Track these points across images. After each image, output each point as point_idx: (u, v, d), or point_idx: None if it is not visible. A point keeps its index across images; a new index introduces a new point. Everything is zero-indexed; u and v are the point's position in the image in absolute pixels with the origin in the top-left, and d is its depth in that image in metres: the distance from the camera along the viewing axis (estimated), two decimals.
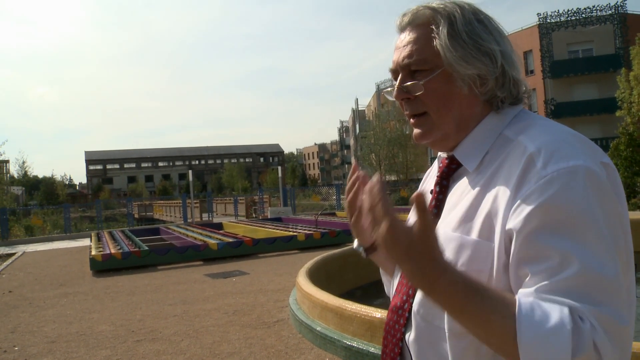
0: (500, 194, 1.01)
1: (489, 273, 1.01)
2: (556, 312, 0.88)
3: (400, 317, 1.17)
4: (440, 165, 1.22)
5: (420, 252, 0.92)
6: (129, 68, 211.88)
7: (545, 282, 0.92)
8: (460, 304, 0.93)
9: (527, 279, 0.95)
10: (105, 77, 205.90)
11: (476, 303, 0.92)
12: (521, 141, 1.05)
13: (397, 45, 1.19)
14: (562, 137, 1.02)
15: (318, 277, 6.96)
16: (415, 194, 0.96)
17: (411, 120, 1.20)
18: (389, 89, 1.23)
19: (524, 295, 0.93)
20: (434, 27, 1.13)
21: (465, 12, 1.13)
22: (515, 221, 0.97)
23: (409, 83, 1.15)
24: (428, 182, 1.33)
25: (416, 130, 1.19)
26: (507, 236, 0.98)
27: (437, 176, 1.21)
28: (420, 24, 1.15)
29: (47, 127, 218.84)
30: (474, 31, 1.11)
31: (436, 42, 1.12)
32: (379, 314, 4.64)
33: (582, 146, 1.01)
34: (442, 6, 1.14)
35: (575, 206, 0.93)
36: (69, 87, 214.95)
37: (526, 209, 0.95)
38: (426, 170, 1.43)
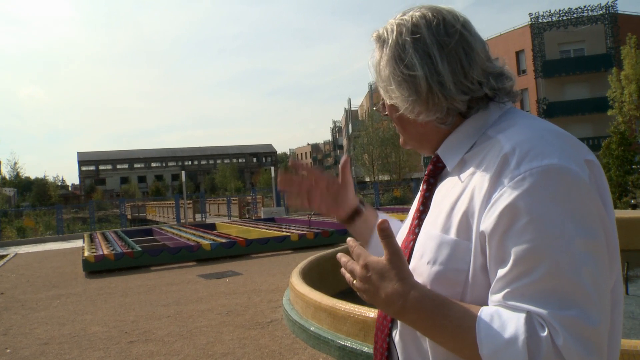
0: (476, 193, 1.02)
1: (466, 273, 1.02)
2: (513, 321, 0.90)
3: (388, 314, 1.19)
4: (429, 164, 1.24)
5: (391, 276, 1.02)
6: (120, 68, 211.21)
7: (510, 288, 0.93)
8: (429, 317, 0.98)
9: (496, 283, 0.95)
10: (96, 78, 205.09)
11: (444, 316, 0.97)
12: (499, 140, 1.04)
13: None
14: (539, 134, 1.01)
15: (311, 277, 6.96)
16: (379, 222, 1.03)
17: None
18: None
19: (492, 301, 0.96)
20: (370, 57, 1.20)
21: (403, 32, 1.11)
22: (486, 223, 0.97)
23: (379, 104, 1.26)
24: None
25: (400, 139, 1.28)
26: (482, 237, 0.99)
27: (425, 175, 1.23)
28: (377, 47, 1.19)
29: (39, 127, 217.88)
30: (401, 57, 1.10)
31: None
32: (372, 313, 4.64)
33: (562, 144, 0.99)
34: (385, 29, 1.16)
35: (545, 206, 0.92)
36: (60, 87, 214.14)
37: (497, 210, 0.95)
38: (419, 170, 1.48)
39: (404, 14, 1.14)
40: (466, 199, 1.04)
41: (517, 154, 0.97)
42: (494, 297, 0.95)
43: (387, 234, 1.03)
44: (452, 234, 1.04)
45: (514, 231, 0.93)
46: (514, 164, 0.96)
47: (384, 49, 1.13)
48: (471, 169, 1.07)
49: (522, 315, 0.90)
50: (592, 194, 0.96)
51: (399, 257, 1.03)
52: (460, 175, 1.10)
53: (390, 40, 1.12)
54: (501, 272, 0.94)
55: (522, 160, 0.96)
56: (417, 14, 1.12)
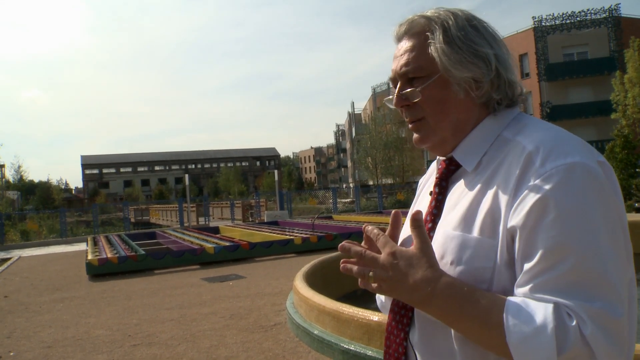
0: (501, 192, 1.05)
1: (492, 270, 1.03)
2: (541, 311, 0.92)
3: (404, 317, 1.19)
4: (440, 167, 1.25)
5: (420, 263, 1.03)
6: (124, 72, 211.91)
7: (538, 280, 0.95)
8: (458, 304, 0.99)
9: (523, 275, 0.98)
10: (99, 82, 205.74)
11: (472, 303, 0.98)
12: (519, 141, 1.08)
13: (395, 54, 1.23)
14: (559, 135, 1.06)
15: (315, 280, 6.96)
16: (414, 212, 1.06)
17: (410, 125, 1.24)
18: (390, 97, 1.26)
19: (518, 294, 0.98)
20: (429, 34, 1.17)
21: (459, 19, 1.17)
22: (516, 219, 1.00)
23: (407, 90, 1.19)
24: (427, 185, 1.36)
25: (415, 135, 1.23)
26: (509, 234, 1.01)
27: (436, 177, 1.24)
28: (416, 33, 1.19)
29: (42, 131, 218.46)
30: (468, 36, 1.14)
31: (431, 49, 1.16)
32: (376, 317, 4.64)
33: (579, 144, 1.04)
34: (435, 14, 1.18)
35: (572, 201, 0.96)
36: (63, 91, 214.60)
37: (526, 206, 0.98)
38: (422, 173, 1.46)
39: (441, 9, 1.20)
40: (489, 198, 1.06)
41: (542, 153, 1.01)
42: (521, 290, 0.98)
43: (419, 224, 1.06)
44: (475, 233, 1.06)
45: (544, 226, 0.96)
46: (539, 162, 1.01)
47: (445, 29, 1.15)
48: (490, 170, 1.10)
49: (550, 305, 0.93)
50: (611, 191, 1.00)
51: (428, 246, 1.05)
52: (477, 176, 1.13)
53: (450, 22, 1.16)
54: (528, 265, 0.97)
55: (547, 159, 1.00)
56: (458, 10, 1.19)
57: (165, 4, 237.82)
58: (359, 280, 1.13)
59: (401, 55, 1.21)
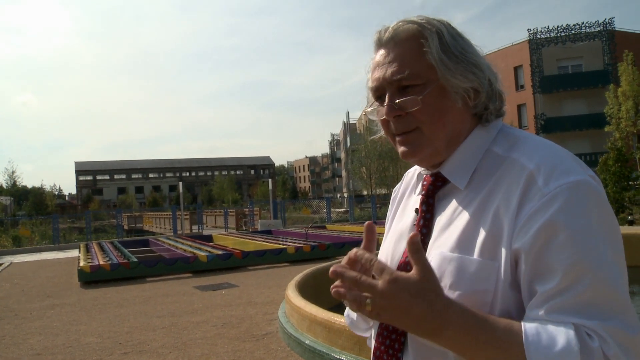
0: (502, 213, 1.01)
1: (493, 293, 1.00)
2: (562, 334, 0.90)
3: (395, 342, 1.12)
4: (425, 183, 1.19)
5: (425, 292, 0.94)
6: (118, 79, 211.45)
7: (555, 301, 0.93)
8: (472, 333, 0.94)
9: (537, 298, 0.95)
10: (94, 88, 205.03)
11: (487, 331, 0.93)
12: (516, 159, 1.05)
13: (380, 61, 1.15)
14: (556, 152, 1.04)
15: (307, 290, 6.93)
16: (411, 234, 0.96)
17: (398, 138, 1.15)
18: (372, 108, 1.19)
19: (532, 318, 0.94)
20: (423, 42, 1.10)
21: (450, 28, 1.13)
22: (522, 240, 0.97)
23: (405, 99, 1.10)
24: (406, 197, 1.30)
25: (404, 148, 1.14)
26: (514, 255, 0.98)
27: (422, 195, 1.18)
28: (405, 39, 1.12)
29: (36, 136, 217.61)
30: (462, 45, 1.12)
31: (429, 56, 1.09)
32: None
33: (575, 161, 1.03)
34: (425, 21, 1.12)
35: (580, 220, 0.95)
36: (56, 96, 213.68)
37: (532, 228, 0.96)
38: None
39: (425, 17, 1.15)
40: (489, 218, 1.02)
41: (543, 172, 0.99)
42: (534, 313, 0.95)
43: (417, 248, 0.95)
44: (475, 255, 1.02)
45: (554, 247, 0.94)
46: (541, 181, 0.98)
47: (441, 37, 1.10)
48: (487, 189, 1.06)
49: (571, 327, 0.90)
50: (610, 207, 1.00)
51: (431, 273, 0.96)
52: (470, 195, 1.08)
53: (443, 30, 1.12)
54: (542, 287, 0.95)
55: (549, 178, 0.98)
56: (438, 21, 1.14)
57: (162, 10, 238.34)
58: (351, 303, 1.00)
59: (389, 62, 1.12)
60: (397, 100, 1.11)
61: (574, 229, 0.94)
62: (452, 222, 1.09)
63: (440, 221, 1.12)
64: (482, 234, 1.02)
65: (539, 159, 1.02)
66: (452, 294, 1.00)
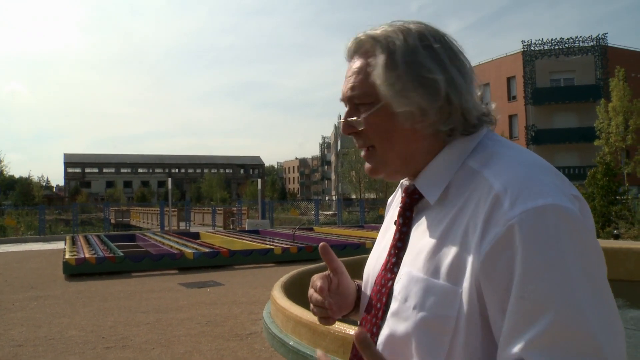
0: (469, 235, 0.94)
1: (456, 319, 0.95)
2: None
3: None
4: (403, 195, 1.15)
5: None
6: (111, 73, 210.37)
7: (513, 339, 0.87)
8: None
9: (502, 336, 0.89)
10: (86, 81, 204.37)
11: None
12: (487, 177, 0.97)
13: (346, 73, 1.13)
14: (529, 171, 0.95)
15: (293, 291, 6.92)
16: (357, 332, 0.93)
17: (362, 153, 1.14)
18: (341, 121, 1.16)
19: (498, 355, 0.91)
20: (371, 60, 1.06)
21: (410, 39, 1.05)
22: (484, 270, 0.90)
23: (352, 118, 1.09)
24: (393, 211, 1.26)
25: (366, 164, 1.13)
26: (477, 283, 0.92)
27: (400, 207, 1.14)
28: (362, 53, 1.09)
29: (26, 127, 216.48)
30: (416, 60, 1.03)
31: (373, 76, 1.05)
32: (352, 330, 4.62)
33: (552, 180, 0.94)
34: (383, 34, 1.06)
35: (546, 251, 0.86)
36: (48, 88, 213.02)
37: (492, 256, 0.89)
38: None
39: (397, 23, 1.08)
40: (456, 240, 0.96)
41: (509, 194, 0.91)
42: (504, 354, 0.89)
43: (366, 344, 0.93)
44: (441, 279, 0.97)
45: (515, 281, 0.87)
46: (507, 205, 0.90)
47: (390, 53, 1.04)
48: (457, 206, 1.00)
49: None
50: (587, 229, 0.91)
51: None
52: (443, 211, 1.03)
53: (397, 43, 1.04)
54: (500, 323, 0.89)
55: (515, 201, 0.89)
56: (414, 25, 1.07)
57: (158, 6, 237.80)
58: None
59: (349, 77, 1.10)
60: (347, 119, 1.10)
61: (538, 261, 0.86)
62: (422, 239, 1.04)
63: (414, 236, 1.08)
64: (448, 256, 0.97)
65: (508, 179, 0.93)
66: (415, 315, 0.99)
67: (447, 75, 1.02)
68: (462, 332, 0.94)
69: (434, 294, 0.97)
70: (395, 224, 1.14)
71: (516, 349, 0.86)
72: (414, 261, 1.03)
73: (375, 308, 1.10)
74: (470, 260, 0.93)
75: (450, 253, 0.96)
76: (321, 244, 1.13)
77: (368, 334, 0.96)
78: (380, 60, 1.04)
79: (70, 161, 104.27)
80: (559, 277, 0.85)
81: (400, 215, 1.13)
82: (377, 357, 0.93)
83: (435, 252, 0.99)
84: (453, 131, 1.05)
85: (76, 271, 11.83)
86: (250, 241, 17.38)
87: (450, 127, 1.04)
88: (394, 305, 1.04)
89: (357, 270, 1.78)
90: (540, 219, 0.87)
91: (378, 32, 1.07)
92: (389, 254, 1.12)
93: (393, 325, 1.03)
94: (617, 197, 18.92)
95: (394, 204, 1.27)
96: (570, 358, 0.83)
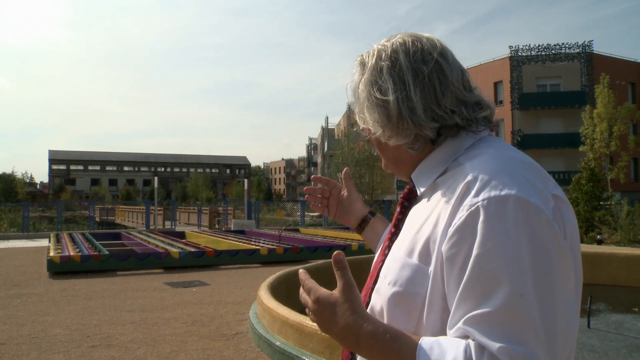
0: (441, 219, 1.02)
1: (423, 297, 1.02)
2: (452, 350, 0.91)
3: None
4: (406, 187, 1.27)
5: (342, 310, 1.03)
6: (97, 70, 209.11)
7: (464, 317, 0.92)
8: (382, 351, 0.99)
9: (452, 311, 0.96)
10: (71, 77, 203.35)
11: (395, 350, 0.97)
12: (465, 167, 1.04)
13: None
14: (505, 165, 1.01)
15: (279, 291, 6.95)
16: (334, 253, 1.06)
17: None
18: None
19: (448, 330, 0.96)
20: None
21: (382, 57, 1.14)
22: (445, 250, 0.98)
23: (359, 130, 1.25)
24: None
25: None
26: (442, 264, 0.99)
27: (400, 197, 1.26)
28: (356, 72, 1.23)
29: (9, 122, 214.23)
30: (374, 81, 1.13)
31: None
32: None
33: (527, 175, 0.99)
34: (368, 52, 1.19)
35: (501, 237, 0.91)
36: (33, 84, 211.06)
37: (453, 238, 0.96)
38: (392, 192, 1.54)
39: (387, 40, 1.17)
40: (431, 224, 1.04)
41: (478, 183, 0.97)
42: (450, 325, 0.96)
43: (342, 266, 1.04)
44: (415, 258, 1.05)
45: (470, 261, 0.93)
46: (473, 192, 0.97)
47: (363, 73, 1.16)
48: (439, 195, 1.07)
49: (462, 345, 0.91)
50: (551, 227, 0.93)
51: (351, 290, 1.04)
52: (431, 200, 1.10)
53: (369, 64, 1.15)
54: (456, 300, 0.94)
55: (481, 189, 0.96)
56: (399, 40, 1.15)
57: (145, 4, 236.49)
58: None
59: None
60: (357, 130, 1.27)
61: (490, 245, 0.91)
62: (410, 224, 1.15)
63: (406, 223, 1.18)
64: (422, 238, 1.05)
65: (481, 170, 1.00)
66: (390, 289, 1.07)
67: (403, 95, 1.09)
68: (428, 309, 1.02)
69: (407, 271, 1.06)
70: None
71: (462, 323, 0.93)
72: (399, 244, 1.14)
73: (366, 287, 1.21)
74: (438, 241, 1.01)
75: (424, 235, 1.05)
76: (345, 169, 1.56)
77: (344, 255, 1.07)
78: (356, 79, 1.20)
79: (55, 158, 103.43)
80: (509, 264, 0.90)
81: (399, 204, 1.25)
82: (348, 278, 1.04)
83: (415, 235, 1.08)
84: (439, 136, 1.12)
85: (60, 269, 11.75)
86: (236, 241, 17.35)
87: (406, 140, 1.13)
88: (378, 283, 1.15)
89: (361, 270, 1.83)
90: (500, 207, 0.93)
91: (370, 50, 1.19)
92: (386, 240, 1.23)
93: (374, 301, 1.14)
94: (601, 203, 19.15)
95: None
96: (511, 340, 0.88)
